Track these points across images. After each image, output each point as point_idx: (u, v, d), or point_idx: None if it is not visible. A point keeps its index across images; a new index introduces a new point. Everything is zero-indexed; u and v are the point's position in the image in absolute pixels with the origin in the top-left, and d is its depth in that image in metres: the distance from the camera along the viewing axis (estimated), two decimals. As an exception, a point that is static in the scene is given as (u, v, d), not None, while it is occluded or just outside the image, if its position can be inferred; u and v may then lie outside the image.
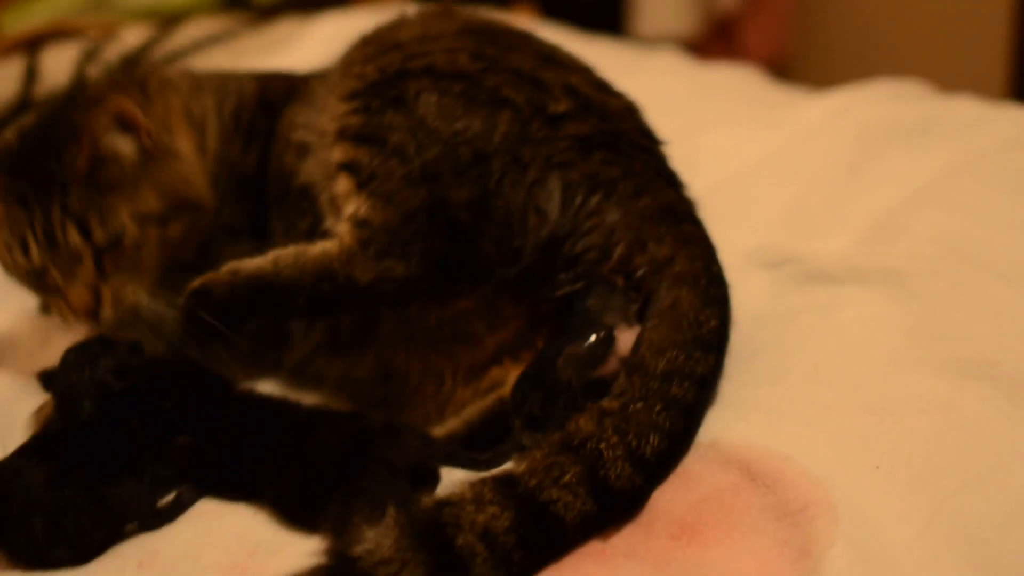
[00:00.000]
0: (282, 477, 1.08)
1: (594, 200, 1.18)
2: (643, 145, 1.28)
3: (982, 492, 0.97)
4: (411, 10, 1.43)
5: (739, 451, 1.05)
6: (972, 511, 0.95)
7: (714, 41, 3.56)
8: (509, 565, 0.91)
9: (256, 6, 2.63)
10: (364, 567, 0.89)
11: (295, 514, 1.06)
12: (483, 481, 0.96)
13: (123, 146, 1.30)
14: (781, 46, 3.69)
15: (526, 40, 1.36)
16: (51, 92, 2.05)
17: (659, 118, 1.34)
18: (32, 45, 2.32)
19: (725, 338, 1.14)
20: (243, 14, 2.59)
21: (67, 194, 1.25)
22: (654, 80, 2.01)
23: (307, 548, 0.93)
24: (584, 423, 1.02)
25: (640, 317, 1.13)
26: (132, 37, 2.36)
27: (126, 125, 1.30)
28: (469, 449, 1.12)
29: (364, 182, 1.21)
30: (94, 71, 2.17)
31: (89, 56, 2.24)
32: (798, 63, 3.75)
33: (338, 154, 1.25)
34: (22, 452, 1.10)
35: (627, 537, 0.97)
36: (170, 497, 1.10)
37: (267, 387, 1.32)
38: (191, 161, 1.37)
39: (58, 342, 1.32)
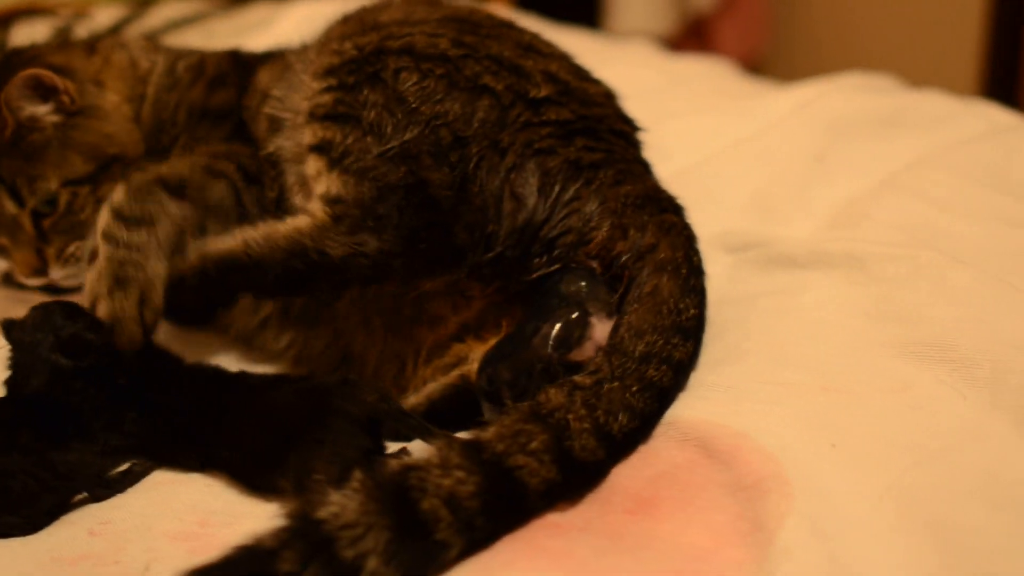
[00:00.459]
0: (238, 439, 1.06)
1: (574, 187, 1.18)
2: (622, 131, 1.29)
3: (936, 470, 0.98)
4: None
5: (697, 428, 1.05)
6: (925, 488, 0.96)
7: (689, 40, 3.57)
8: (472, 531, 0.91)
9: (231, -11, 2.62)
10: (328, 530, 0.86)
11: (253, 477, 1.04)
12: (450, 445, 0.95)
13: (43, 113, 1.32)
14: (756, 46, 3.71)
15: (507, 29, 1.36)
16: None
17: (631, 106, 1.35)
18: (3, 22, 2.29)
19: (702, 327, 1.15)
20: (218, -4, 2.59)
21: None
22: (627, 70, 2.00)
23: (263, 516, 0.90)
24: (555, 394, 1.02)
25: (620, 306, 1.13)
26: (104, 16, 2.35)
27: (45, 92, 1.32)
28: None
29: (336, 160, 1.20)
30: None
31: (60, 34, 2.21)
32: (772, 62, 3.77)
33: (308, 136, 1.24)
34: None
35: (583, 511, 0.97)
36: (122, 468, 1.09)
37: (222, 361, 1.30)
38: (117, 113, 1.40)
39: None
